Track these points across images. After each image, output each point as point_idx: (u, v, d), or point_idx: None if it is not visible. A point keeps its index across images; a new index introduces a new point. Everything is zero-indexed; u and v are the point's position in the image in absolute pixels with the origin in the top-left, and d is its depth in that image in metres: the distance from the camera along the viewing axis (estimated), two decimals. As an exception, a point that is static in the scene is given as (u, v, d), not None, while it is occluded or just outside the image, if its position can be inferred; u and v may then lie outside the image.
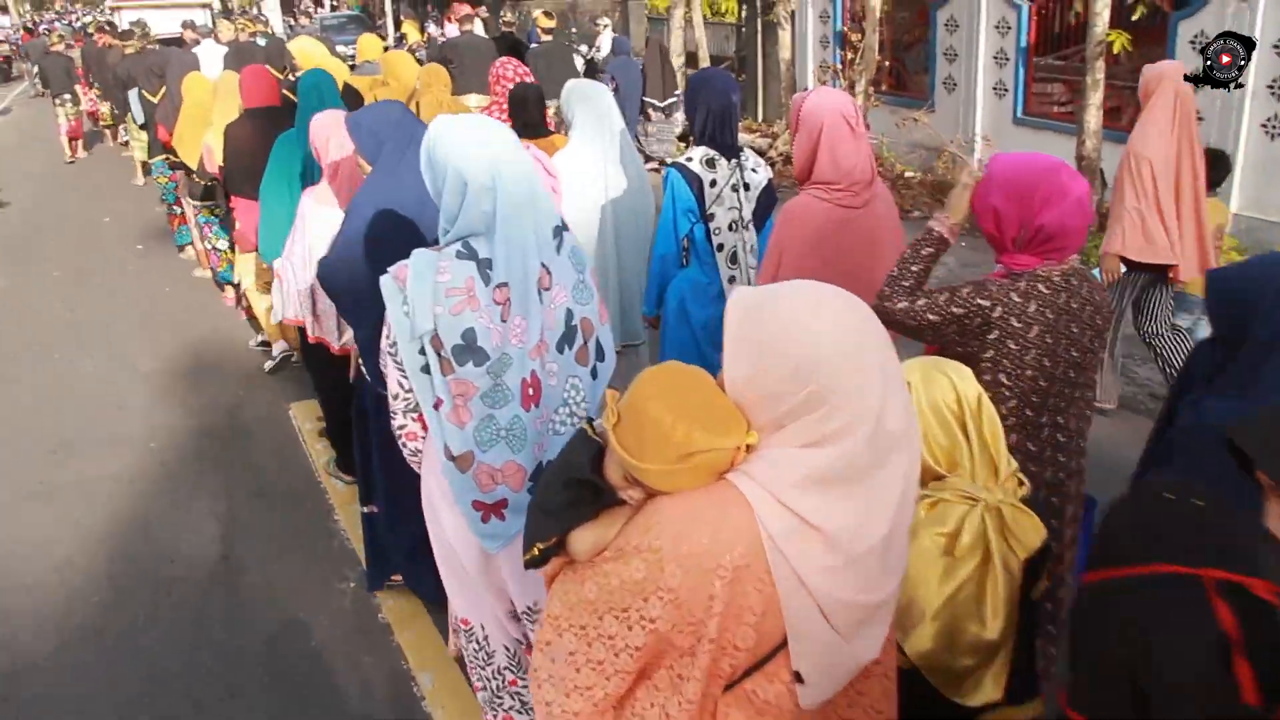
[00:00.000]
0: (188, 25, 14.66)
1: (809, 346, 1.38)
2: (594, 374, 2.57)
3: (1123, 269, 5.05)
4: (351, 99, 8.10)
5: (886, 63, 11.30)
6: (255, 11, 33.38)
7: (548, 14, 12.74)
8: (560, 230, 2.48)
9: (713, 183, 4.10)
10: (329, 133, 4.10)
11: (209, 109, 6.75)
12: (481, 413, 2.38)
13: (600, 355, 2.59)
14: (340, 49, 23.77)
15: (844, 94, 3.31)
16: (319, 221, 4.03)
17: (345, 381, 4.02)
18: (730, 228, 4.15)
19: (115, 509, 5.07)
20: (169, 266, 9.43)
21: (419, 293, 2.29)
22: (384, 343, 2.42)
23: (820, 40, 13.81)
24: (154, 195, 10.70)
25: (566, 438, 1.71)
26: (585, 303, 2.53)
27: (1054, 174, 2.53)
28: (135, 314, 8.16)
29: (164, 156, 8.71)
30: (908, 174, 10.94)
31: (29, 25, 41.16)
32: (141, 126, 10.23)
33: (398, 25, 24.73)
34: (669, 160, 4.50)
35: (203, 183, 6.92)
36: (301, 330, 4.42)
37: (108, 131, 15.48)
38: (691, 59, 14.14)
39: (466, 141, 2.33)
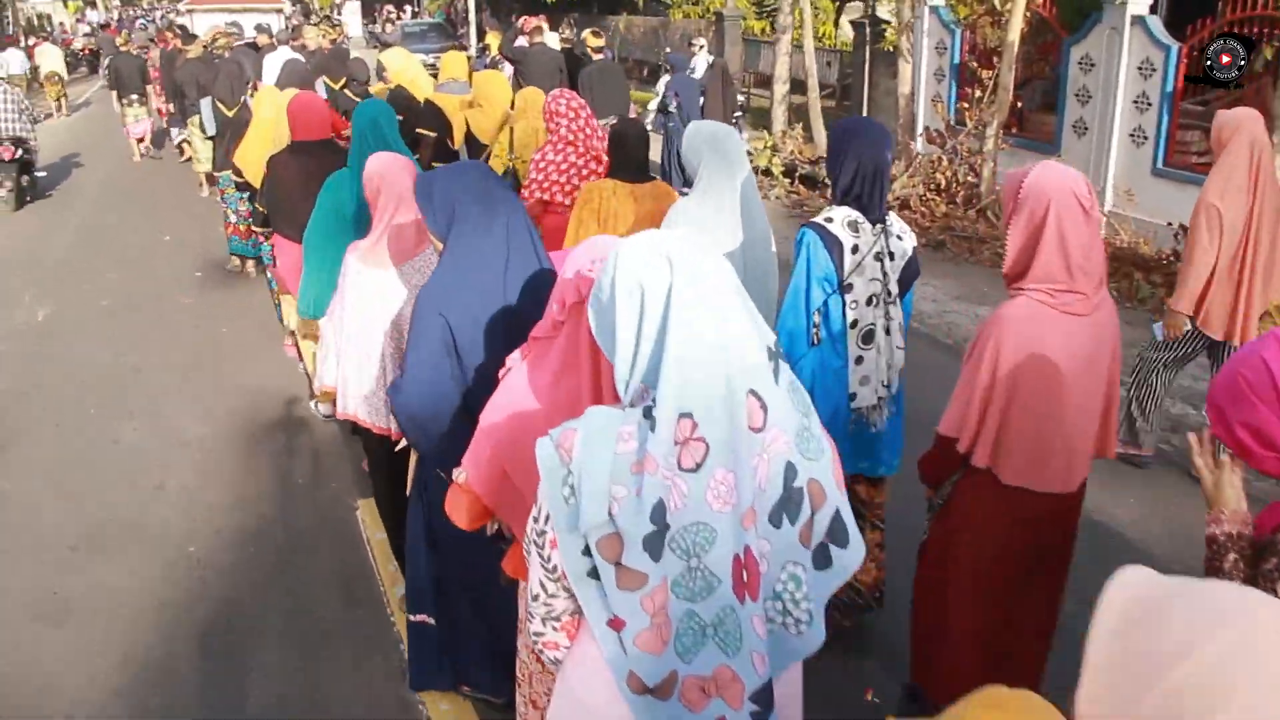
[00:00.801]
0: (262, 30, 14.22)
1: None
2: (823, 562, 1.82)
3: (1188, 326, 4.84)
4: (432, 119, 7.42)
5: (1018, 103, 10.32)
6: (336, 16, 33.30)
7: (595, 33, 12.44)
8: (775, 353, 1.76)
9: (854, 249, 3.52)
10: (386, 182, 3.57)
11: (278, 127, 6.20)
12: (679, 611, 1.69)
13: (838, 537, 1.82)
14: (420, 57, 23.58)
15: (1072, 169, 2.58)
16: (364, 286, 3.56)
17: (398, 460, 3.49)
18: (869, 302, 3.59)
19: (138, 635, 4.15)
20: (227, 301, 8.81)
21: (593, 469, 1.64)
22: (529, 524, 1.78)
23: (935, 73, 13.00)
24: (217, 213, 10.23)
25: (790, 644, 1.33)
26: (814, 458, 1.78)
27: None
28: (185, 361, 7.40)
29: (228, 171, 8.27)
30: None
31: (107, 21, 41.49)
32: (209, 137, 9.67)
33: (480, 36, 24.23)
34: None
35: (263, 210, 6.34)
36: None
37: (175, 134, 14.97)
38: (798, 86, 13.27)
39: (647, 260, 1.69)
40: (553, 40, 13.78)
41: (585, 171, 5.31)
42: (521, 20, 15.70)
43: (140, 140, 15.63)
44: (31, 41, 29.63)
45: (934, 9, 12.71)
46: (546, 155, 5.37)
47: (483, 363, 2.64)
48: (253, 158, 6.90)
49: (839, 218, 3.51)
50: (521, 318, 2.45)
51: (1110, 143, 10.05)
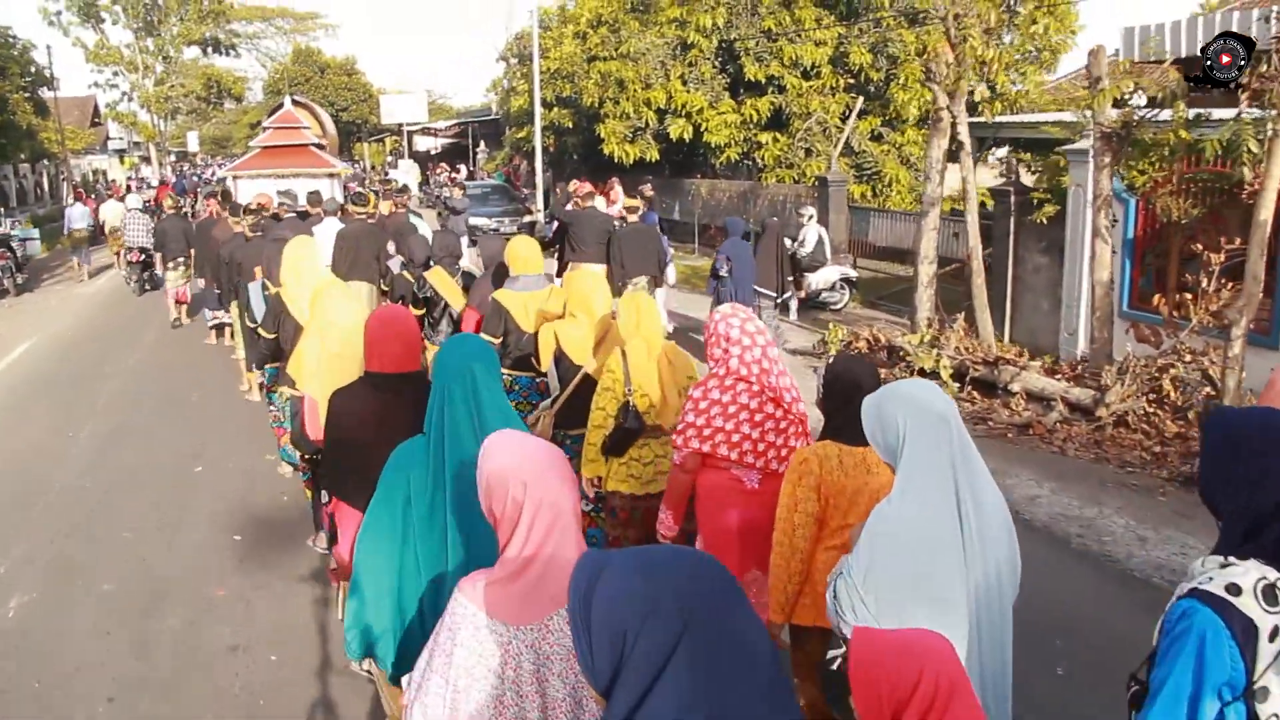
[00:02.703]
0: (313, 199, 13.46)
1: None
2: None
3: None
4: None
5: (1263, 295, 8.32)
6: (391, 178, 32.31)
7: (631, 195, 12.98)
8: None
9: (1274, 632, 2.23)
10: (530, 487, 2.28)
11: (348, 343, 4.93)
12: None
13: None
14: (481, 221, 22.13)
15: None
16: (484, 649, 2.26)
17: None
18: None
19: None
20: (270, 584, 6.32)
21: None
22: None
23: None
24: (260, 422, 8.87)
25: None
26: None
27: None
28: (209, 666, 5.32)
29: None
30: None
31: (164, 179, 41.23)
32: (256, 327, 7.88)
33: (548, 200, 22.77)
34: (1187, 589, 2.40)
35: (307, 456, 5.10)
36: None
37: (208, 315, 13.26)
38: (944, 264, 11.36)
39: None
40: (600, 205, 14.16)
41: (759, 417, 4.30)
42: (574, 184, 15.74)
43: (180, 302, 15.26)
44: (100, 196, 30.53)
45: (1100, 175, 11.02)
46: (710, 393, 4.33)
47: None
48: (307, 368, 5.49)
49: (1248, 583, 2.25)
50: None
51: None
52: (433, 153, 51.75)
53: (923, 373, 9.85)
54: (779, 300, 12.02)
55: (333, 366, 4.95)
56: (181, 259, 14.94)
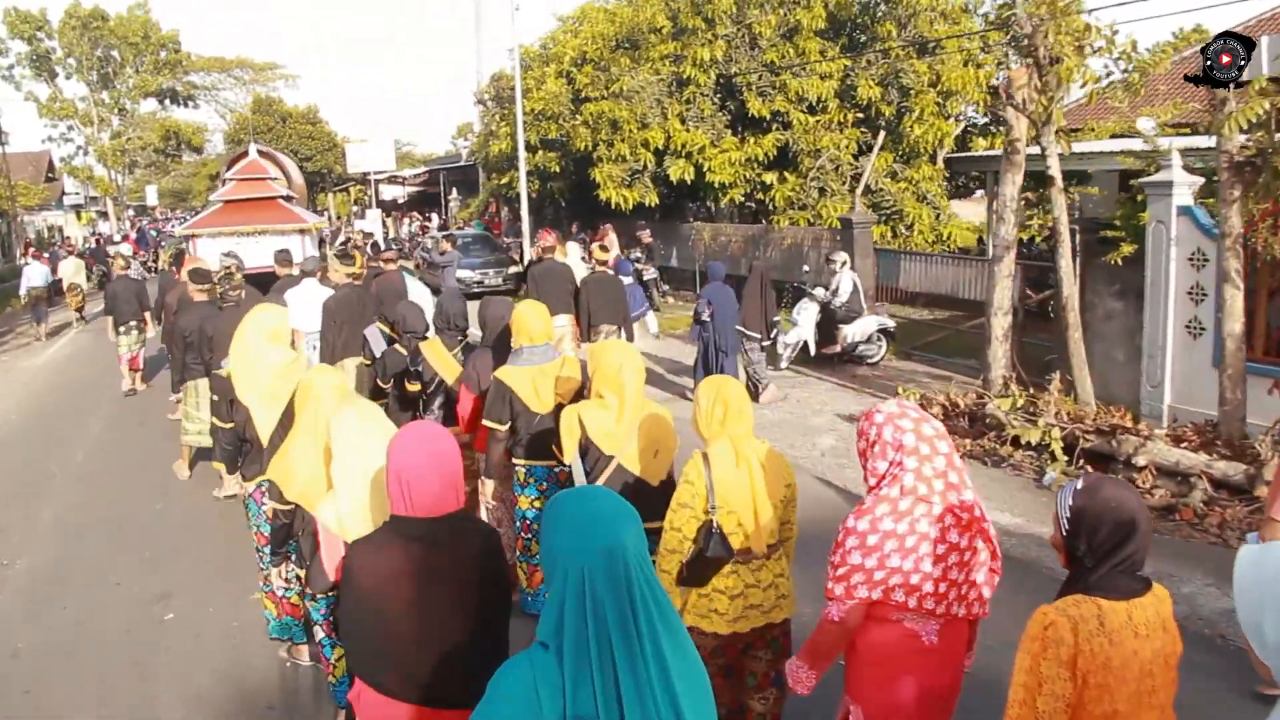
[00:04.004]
0: (284, 260, 11.58)
1: None
2: None
3: None
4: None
5: None
6: (357, 228, 30.80)
7: (603, 247, 12.99)
8: None
9: None
10: None
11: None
12: None
13: None
14: (465, 274, 20.51)
15: None
16: None
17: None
18: None
19: None
20: None
21: None
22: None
23: (1188, 292, 10.09)
24: (237, 542, 7.18)
25: None
26: None
27: None
28: None
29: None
30: None
31: (126, 234, 39.55)
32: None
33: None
34: None
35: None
36: None
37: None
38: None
39: None
40: (574, 252, 14.47)
41: (942, 549, 3.30)
42: (540, 233, 15.35)
43: (135, 369, 14.31)
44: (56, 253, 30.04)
45: (1185, 210, 9.93)
46: (880, 523, 3.30)
47: None
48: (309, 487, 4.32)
49: None
50: None
51: None
52: (399, 201, 50.25)
53: (1027, 445, 8.45)
54: (764, 343, 11.75)
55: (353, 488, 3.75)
56: (133, 322, 13.86)
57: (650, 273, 19.79)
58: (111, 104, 50.69)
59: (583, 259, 14.10)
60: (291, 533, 4.76)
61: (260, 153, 18.16)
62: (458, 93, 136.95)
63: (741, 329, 11.39)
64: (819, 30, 18.79)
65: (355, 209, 50.34)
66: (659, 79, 19.36)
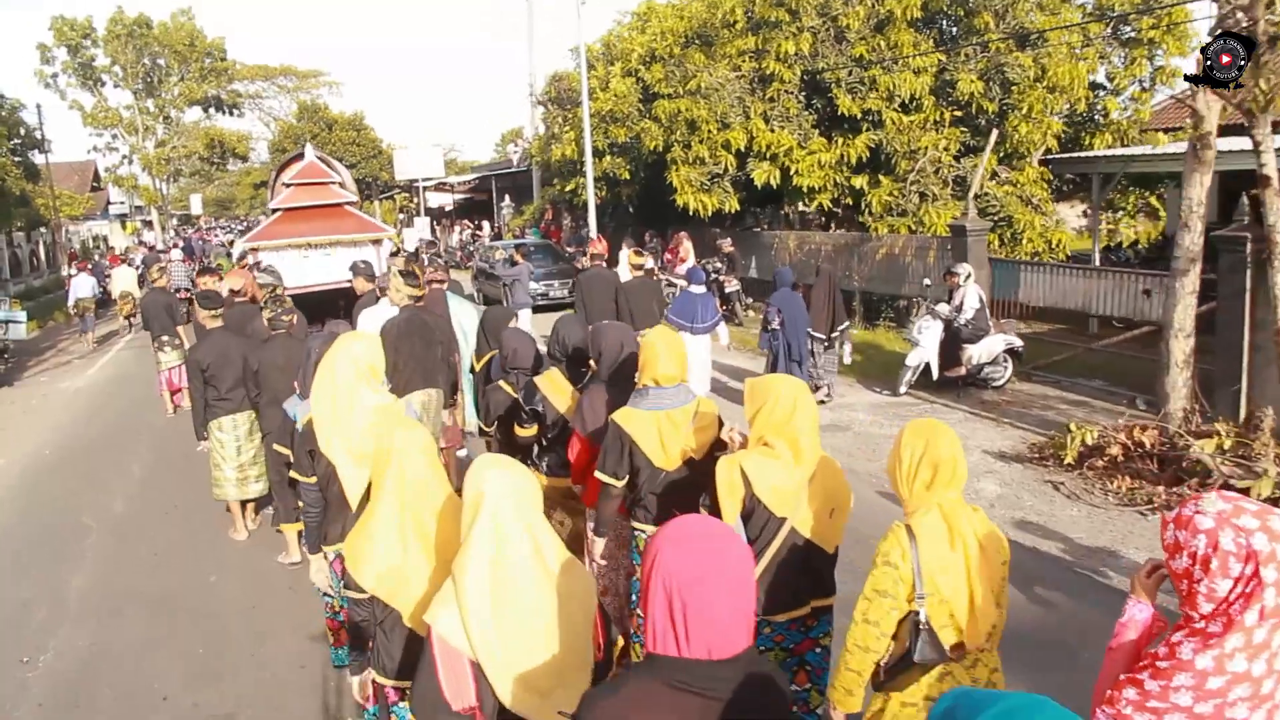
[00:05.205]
0: (364, 273, 10.18)
1: None
2: None
3: None
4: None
5: None
6: (417, 238, 29.78)
7: (637, 252, 13.44)
8: None
9: None
10: None
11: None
12: None
13: None
14: (534, 286, 19.15)
15: None
16: None
17: None
18: None
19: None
20: None
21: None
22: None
23: None
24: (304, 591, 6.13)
25: None
26: None
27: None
28: None
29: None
30: None
31: (164, 245, 38.91)
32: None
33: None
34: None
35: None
36: None
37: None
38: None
39: None
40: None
41: None
42: (590, 240, 15.73)
43: (175, 391, 13.33)
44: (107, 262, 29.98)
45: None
46: (1232, 660, 2.40)
47: None
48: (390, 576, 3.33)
49: None
50: None
51: None
52: (445, 209, 49.29)
53: (1244, 494, 7.14)
54: (828, 340, 11.66)
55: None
56: (166, 337, 12.99)
57: (732, 285, 18.55)
58: (156, 112, 50.19)
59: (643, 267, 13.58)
60: (366, 633, 3.56)
61: (317, 156, 16.87)
62: (504, 98, 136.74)
63: (812, 332, 11.39)
64: (911, 21, 17.40)
65: (402, 217, 49.48)
66: (739, 75, 18.06)
